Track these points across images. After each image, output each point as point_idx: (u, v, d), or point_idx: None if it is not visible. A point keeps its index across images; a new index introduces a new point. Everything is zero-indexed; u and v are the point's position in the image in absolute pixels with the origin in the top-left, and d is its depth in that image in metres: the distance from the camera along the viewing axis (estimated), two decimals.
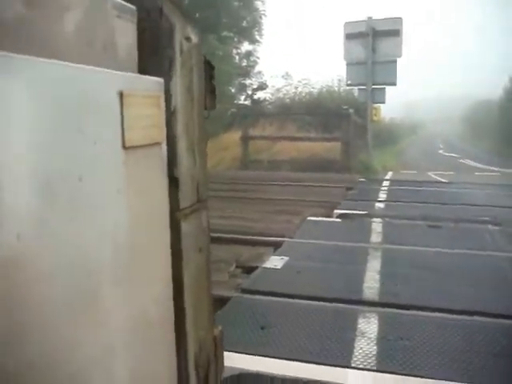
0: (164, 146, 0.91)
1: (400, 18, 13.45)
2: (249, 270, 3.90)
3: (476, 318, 2.93)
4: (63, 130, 0.68)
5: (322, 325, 2.81)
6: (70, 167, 0.69)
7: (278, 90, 21.27)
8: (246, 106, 20.13)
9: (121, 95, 0.79)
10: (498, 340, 2.63)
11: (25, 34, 0.67)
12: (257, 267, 3.90)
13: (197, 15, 17.85)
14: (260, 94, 21.48)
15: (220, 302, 3.11)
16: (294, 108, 17.83)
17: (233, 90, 20.69)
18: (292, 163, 12.27)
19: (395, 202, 7.10)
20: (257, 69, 21.55)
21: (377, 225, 5.42)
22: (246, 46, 20.94)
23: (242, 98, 21.34)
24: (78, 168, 0.70)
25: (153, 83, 0.92)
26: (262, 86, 21.48)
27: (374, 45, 13.25)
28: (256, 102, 20.89)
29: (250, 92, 21.44)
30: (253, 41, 20.65)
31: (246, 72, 21.17)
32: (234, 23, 19.37)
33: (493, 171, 15.98)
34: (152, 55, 0.96)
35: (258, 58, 21.27)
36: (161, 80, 0.92)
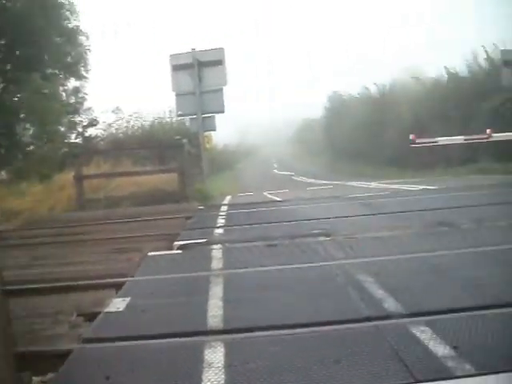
0: None
1: (222, 49, 13.96)
2: (92, 318, 3.71)
3: (315, 328, 3.07)
4: None
5: (168, 363, 2.76)
6: None
7: (110, 125, 20.96)
8: (77, 144, 19.49)
9: None
10: (338, 346, 2.78)
11: None
12: (100, 313, 3.73)
13: (17, 53, 16.95)
14: (91, 131, 20.96)
15: (61, 358, 2.92)
16: (128, 142, 17.65)
17: (62, 129, 19.87)
18: (131, 198, 12.09)
19: (233, 226, 7.29)
20: (86, 105, 20.97)
21: (217, 251, 5.49)
22: (72, 83, 20.28)
23: (73, 136, 20.60)
24: None
25: None
26: (93, 123, 20.98)
27: (200, 75, 13.58)
28: (88, 140, 20.35)
29: (80, 129, 20.79)
30: (79, 77, 20.07)
31: (75, 109, 20.51)
32: (58, 59, 18.66)
33: (323, 185, 17.14)
34: None
35: (87, 93, 20.69)
36: None
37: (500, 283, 3.68)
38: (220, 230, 6.98)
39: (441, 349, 2.62)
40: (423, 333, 2.83)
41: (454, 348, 2.61)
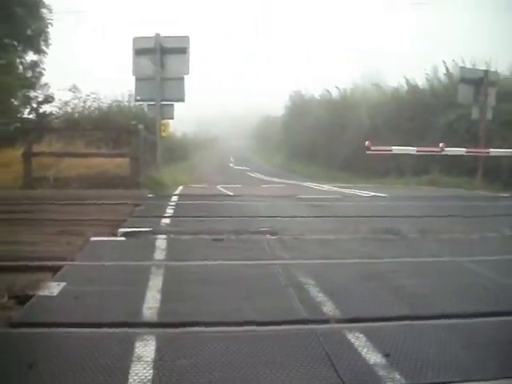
0: None
1: (187, 37, 13.75)
2: (24, 300, 3.55)
3: (251, 327, 3.03)
4: None
5: (96, 353, 2.65)
6: None
7: (66, 103, 20.43)
8: (30, 120, 18.92)
9: None
10: (271, 347, 2.74)
11: None
12: (33, 296, 3.59)
13: None
14: (46, 108, 20.37)
15: None
16: (83, 123, 17.24)
17: (16, 103, 19.23)
18: (81, 180, 11.78)
19: (181, 217, 7.20)
20: (43, 80, 20.36)
21: (161, 241, 5.38)
22: (31, 56, 19.65)
23: (27, 111, 19.99)
24: None
25: None
26: (48, 99, 20.40)
27: (163, 61, 13.36)
28: (42, 116, 19.79)
29: (35, 105, 20.18)
30: (38, 51, 19.46)
31: (31, 84, 19.88)
32: (18, 31, 17.99)
33: (277, 183, 17.17)
34: None
35: (44, 69, 20.09)
36: None
37: (436, 294, 3.74)
38: (167, 220, 6.86)
39: (373, 356, 2.62)
40: (358, 339, 2.83)
41: (386, 356, 2.62)
